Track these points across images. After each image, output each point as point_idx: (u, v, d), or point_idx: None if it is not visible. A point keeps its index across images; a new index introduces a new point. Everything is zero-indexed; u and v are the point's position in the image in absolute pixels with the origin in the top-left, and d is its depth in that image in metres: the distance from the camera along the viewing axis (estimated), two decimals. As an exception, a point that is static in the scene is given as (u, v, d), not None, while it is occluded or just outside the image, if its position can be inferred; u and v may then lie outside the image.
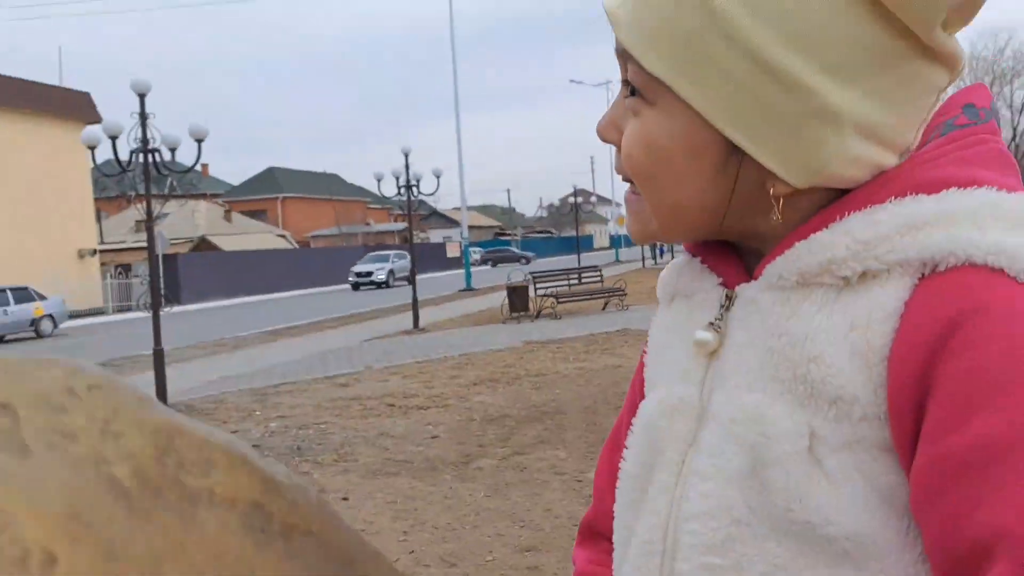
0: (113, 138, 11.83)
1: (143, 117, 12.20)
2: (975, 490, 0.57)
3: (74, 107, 40.57)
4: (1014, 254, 0.62)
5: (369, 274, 45.90)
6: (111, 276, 43.27)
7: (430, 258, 65.26)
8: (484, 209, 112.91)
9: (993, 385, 0.58)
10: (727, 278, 0.78)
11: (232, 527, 0.50)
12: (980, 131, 0.71)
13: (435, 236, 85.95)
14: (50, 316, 29.30)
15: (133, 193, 13.66)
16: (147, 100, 12.09)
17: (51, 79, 42.28)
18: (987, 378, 0.59)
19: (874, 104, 0.68)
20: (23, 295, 28.71)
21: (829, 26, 0.65)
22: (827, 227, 0.69)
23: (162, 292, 12.54)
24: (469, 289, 35.53)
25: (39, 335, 28.67)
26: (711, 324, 0.76)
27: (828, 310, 0.68)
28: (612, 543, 0.84)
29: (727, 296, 0.77)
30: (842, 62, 0.66)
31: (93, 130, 12.86)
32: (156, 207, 13.20)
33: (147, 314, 33.34)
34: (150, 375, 13.63)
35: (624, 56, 0.74)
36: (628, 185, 0.78)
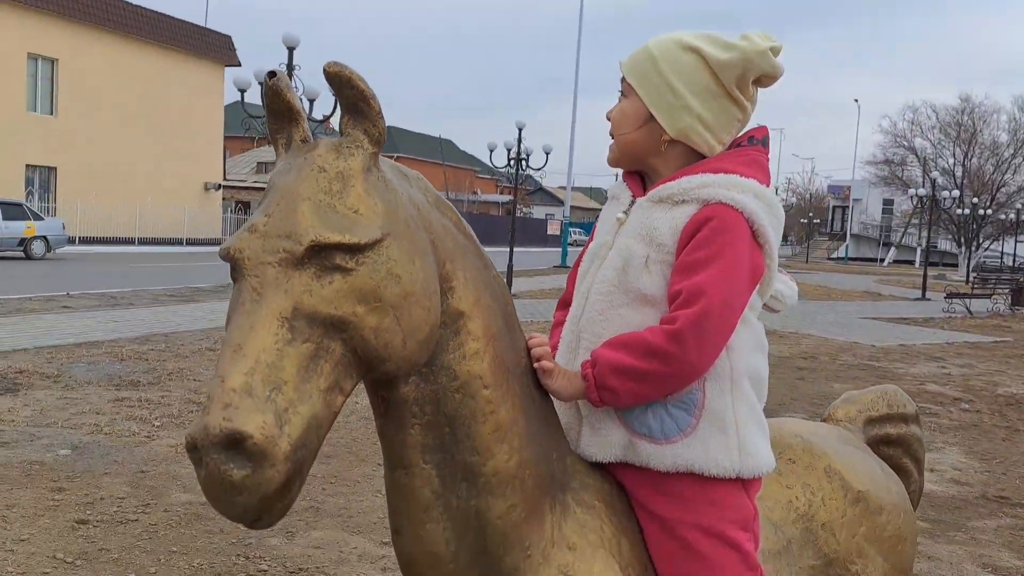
0: (262, 84, 13.16)
1: (290, 68, 13.52)
2: (691, 273, 1.58)
3: (216, 48, 42.89)
4: (735, 198, 1.61)
5: None
6: (231, 211, 45.69)
7: (531, 233, 66.26)
8: (591, 192, 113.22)
9: (708, 240, 1.58)
10: (634, 192, 1.78)
11: None
12: (750, 150, 1.70)
13: (538, 212, 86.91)
14: (43, 238, 26.78)
15: (256, 136, 14.95)
16: (273, 51, 13.35)
17: (197, 19, 44.72)
18: (706, 237, 1.59)
19: (709, 113, 1.69)
20: (16, 211, 26.38)
21: (696, 76, 1.68)
22: (675, 179, 1.69)
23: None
24: (564, 266, 36.47)
25: (28, 256, 26.40)
26: (623, 212, 1.77)
27: (666, 212, 1.67)
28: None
29: (632, 201, 1.77)
30: (698, 91, 1.68)
31: (241, 73, 14.23)
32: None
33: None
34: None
35: (623, 79, 1.75)
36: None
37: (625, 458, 1.70)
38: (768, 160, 1.73)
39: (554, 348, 1.77)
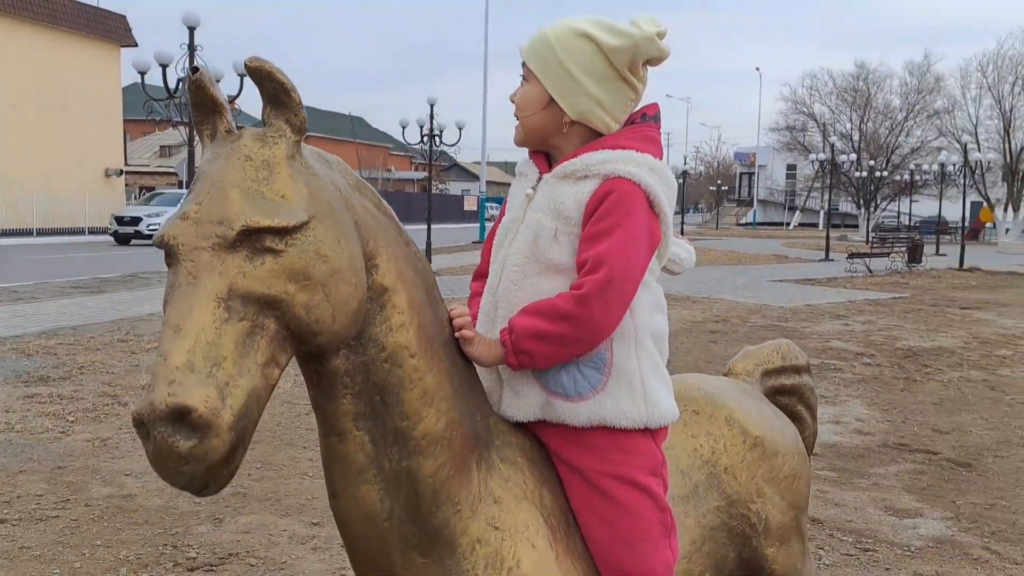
0: (164, 66, 12.87)
1: (191, 48, 13.22)
2: (595, 243, 1.71)
3: (110, 28, 41.43)
4: (632, 172, 1.74)
5: (137, 221, 31.93)
6: (135, 197, 44.39)
7: (448, 209, 66.08)
8: (506, 167, 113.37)
9: (609, 212, 1.71)
10: (541, 170, 1.89)
11: None
12: (644, 127, 1.81)
13: (455, 188, 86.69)
14: None
15: (158, 118, 14.59)
16: (168, 30, 13.06)
17: (90, -1, 43.04)
18: (608, 209, 1.72)
19: (606, 95, 1.81)
20: None
21: (591, 61, 1.79)
22: (577, 156, 1.80)
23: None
24: (482, 241, 36.59)
25: None
26: (532, 188, 1.88)
27: (571, 187, 1.79)
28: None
29: (539, 178, 1.88)
30: (594, 76, 1.79)
31: (140, 54, 13.85)
32: (184, 136, 14.16)
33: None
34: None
35: (523, 64, 1.85)
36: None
37: (543, 416, 1.83)
38: (660, 135, 1.88)
39: (473, 318, 1.87)
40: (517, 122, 1.90)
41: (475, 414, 1.74)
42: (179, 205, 1.47)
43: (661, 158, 1.82)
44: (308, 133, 1.49)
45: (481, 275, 2.03)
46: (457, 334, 1.76)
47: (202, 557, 4.64)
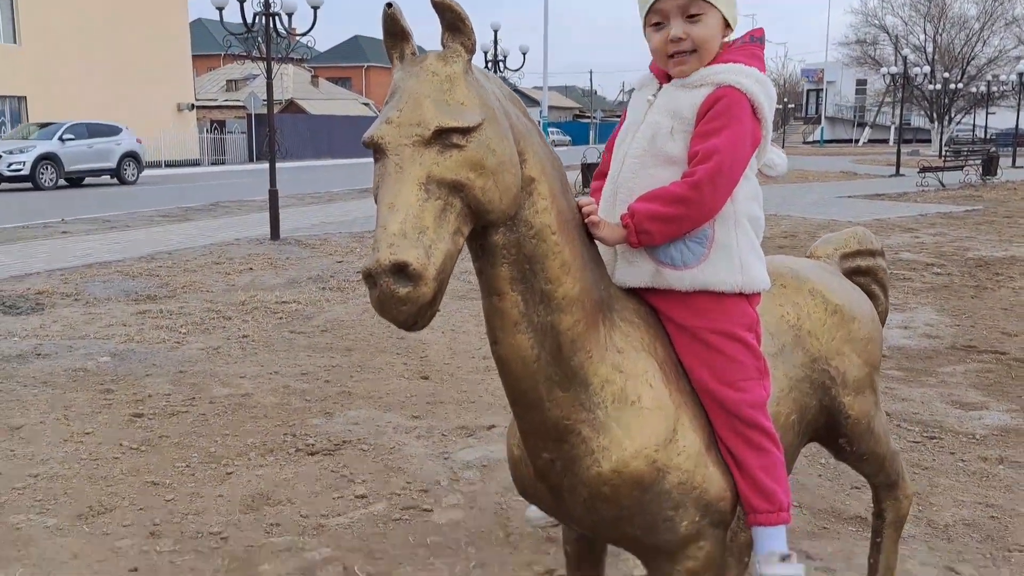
0: (241, 1, 13.24)
1: (264, -17, 13.51)
2: (707, 138, 2.07)
3: (176, -36, 41.83)
4: (740, 82, 2.08)
5: None
6: (206, 131, 45.32)
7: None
8: (565, 90, 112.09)
9: (720, 113, 2.07)
10: (661, 82, 2.22)
11: None
12: (751, 47, 2.15)
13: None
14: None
15: (236, 52, 14.97)
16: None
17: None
18: (719, 111, 2.07)
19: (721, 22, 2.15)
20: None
21: None
22: (696, 72, 2.14)
23: (277, 144, 14.01)
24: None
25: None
26: (652, 95, 2.22)
27: (687, 93, 2.14)
28: None
29: (659, 87, 2.22)
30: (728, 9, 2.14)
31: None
32: (249, 69, 14.49)
33: (239, 167, 34.80)
34: (262, 215, 15.39)
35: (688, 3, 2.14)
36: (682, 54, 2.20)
37: (653, 283, 2.21)
38: (763, 54, 2.20)
39: None
40: (689, 57, 2.16)
41: (600, 283, 2.12)
42: (381, 113, 1.84)
43: (764, 72, 2.15)
44: (368, 63, 1.85)
45: (602, 175, 2.39)
46: (586, 220, 2.12)
47: (319, 444, 5.17)
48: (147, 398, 5.98)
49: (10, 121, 35.18)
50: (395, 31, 1.88)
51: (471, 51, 1.86)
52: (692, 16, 2.13)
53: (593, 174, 2.46)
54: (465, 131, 1.76)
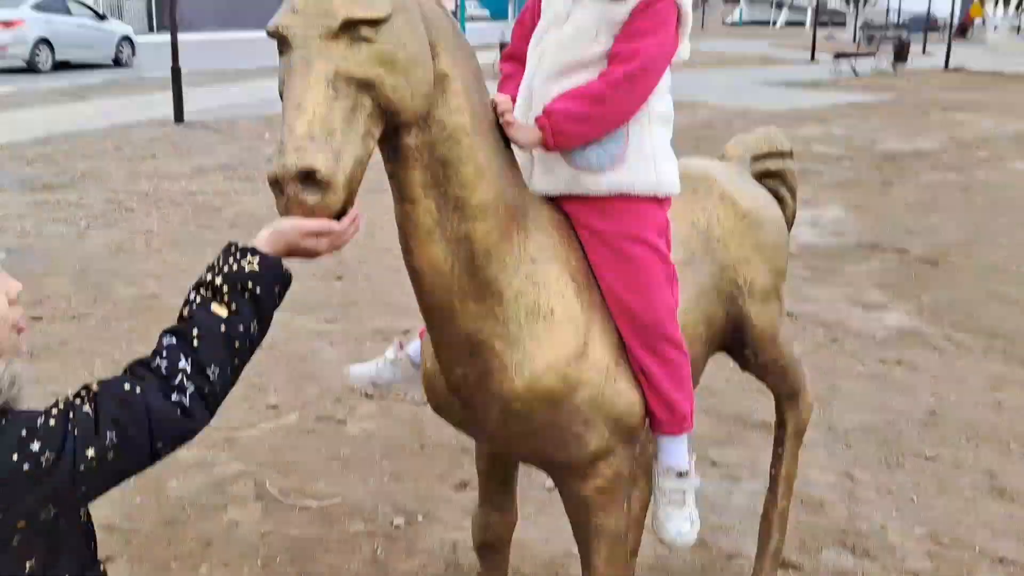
0: None
1: None
2: (632, 40, 2.02)
3: None
4: None
5: None
6: (102, -4, 42.54)
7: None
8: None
9: (650, 17, 2.03)
10: None
11: None
12: None
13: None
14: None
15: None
16: None
17: None
18: (649, 15, 2.02)
19: None
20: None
21: None
22: None
23: (178, 14, 13.18)
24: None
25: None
26: None
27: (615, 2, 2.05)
28: (523, 63, 2.25)
29: None
30: None
31: None
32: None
33: (140, 38, 32.98)
34: (165, 94, 14.64)
35: None
36: None
37: (569, 190, 2.17)
38: None
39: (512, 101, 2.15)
40: None
41: (514, 189, 2.05)
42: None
43: None
44: None
45: (510, 56, 2.32)
46: (501, 119, 2.03)
47: (231, 349, 5.07)
48: (46, 299, 5.75)
49: None
50: None
51: None
52: None
53: (502, 54, 2.37)
54: (375, 23, 1.64)
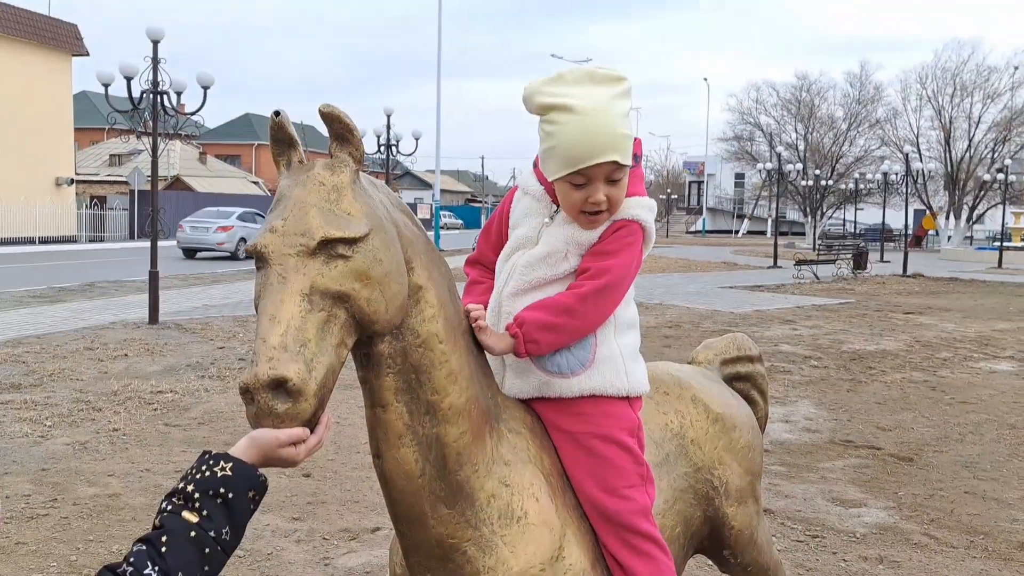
0: (128, 78, 12.98)
1: (155, 61, 13.30)
2: (601, 258, 2.13)
3: (61, 37, 40.92)
4: (638, 215, 2.14)
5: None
6: (86, 206, 43.80)
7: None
8: (458, 175, 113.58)
9: (618, 239, 2.12)
10: (553, 200, 2.20)
11: None
12: (638, 169, 2.19)
13: (407, 197, 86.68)
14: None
15: (121, 128, 14.59)
16: (123, 40, 13.15)
17: (40, 8, 42.33)
18: (618, 238, 2.11)
19: None
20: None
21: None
22: None
23: (160, 223, 13.60)
24: (439, 249, 36.60)
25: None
26: (549, 218, 2.20)
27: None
28: (488, 269, 2.32)
29: (556, 209, 2.18)
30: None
31: (100, 66, 13.88)
32: (133, 144, 14.19)
33: (119, 245, 33.66)
34: (141, 297, 14.81)
35: (612, 166, 2.08)
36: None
37: (541, 393, 2.20)
38: (642, 170, 2.27)
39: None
40: (596, 217, 2.13)
41: (487, 391, 2.08)
42: (265, 220, 1.78)
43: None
44: (258, 141, 1.79)
45: (475, 261, 2.42)
46: (474, 324, 2.08)
47: (192, 551, 4.87)
48: (4, 499, 5.54)
49: None
50: (282, 138, 1.84)
51: (359, 161, 1.83)
52: (613, 180, 2.11)
53: (466, 260, 2.46)
54: (351, 241, 1.72)
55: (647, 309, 16.38)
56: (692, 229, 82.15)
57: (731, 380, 3.10)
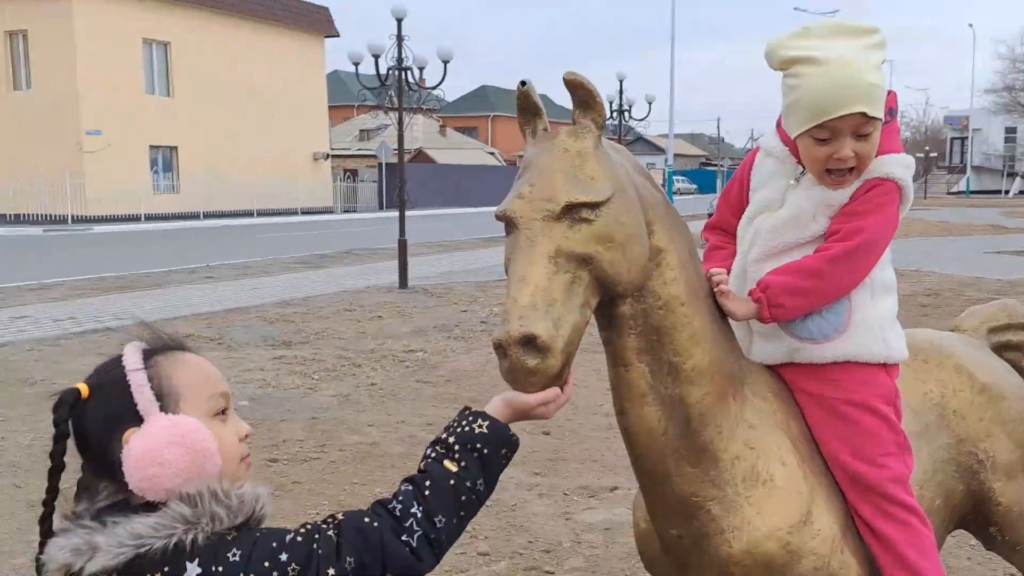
0: (376, 56, 13.81)
1: (399, 39, 14.04)
2: (854, 218, 2.06)
3: (315, 21, 44.01)
4: (894, 173, 2.06)
5: None
6: (340, 180, 47.09)
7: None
8: (692, 138, 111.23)
9: (872, 199, 2.05)
10: (797, 160, 2.14)
11: None
12: (894, 124, 2.09)
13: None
14: None
15: (370, 104, 15.44)
16: (373, 17, 13.87)
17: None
18: (871, 197, 2.05)
19: None
20: None
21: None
22: None
23: (406, 195, 14.41)
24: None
25: None
26: (795, 180, 2.15)
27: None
28: (728, 235, 2.30)
29: (802, 171, 2.13)
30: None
31: (352, 46, 14.81)
32: (381, 119, 14.99)
33: (370, 215, 35.81)
34: (391, 263, 15.81)
35: (860, 119, 2.01)
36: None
37: (790, 359, 2.16)
38: (898, 124, 2.15)
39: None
40: (842, 176, 2.07)
41: (731, 356, 2.09)
42: (513, 187, 1.88)
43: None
44: (494, 112, 1.84)
45: (714, 227, 2.40)
46: (715, 289, 2.08)
47: (444, 497, 5.22)
48: (282, 443, 6.18)
49: (162, 169, 37.43)
50: (528, 107, 1.91)
51: (601, 127, 1.88)
52: (862, 135, 2.02)
53: (704, 224, 2.45)
54: (595, 205, 1.78)
55: (902, 276, 15.12)
56: (954, 190, 75.95)
57: (999, 349, 2.89)
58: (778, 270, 2.09)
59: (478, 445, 1.62)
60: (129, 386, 1.46)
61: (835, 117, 1.98)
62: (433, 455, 1.64)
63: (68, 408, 1.46)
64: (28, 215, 32.76)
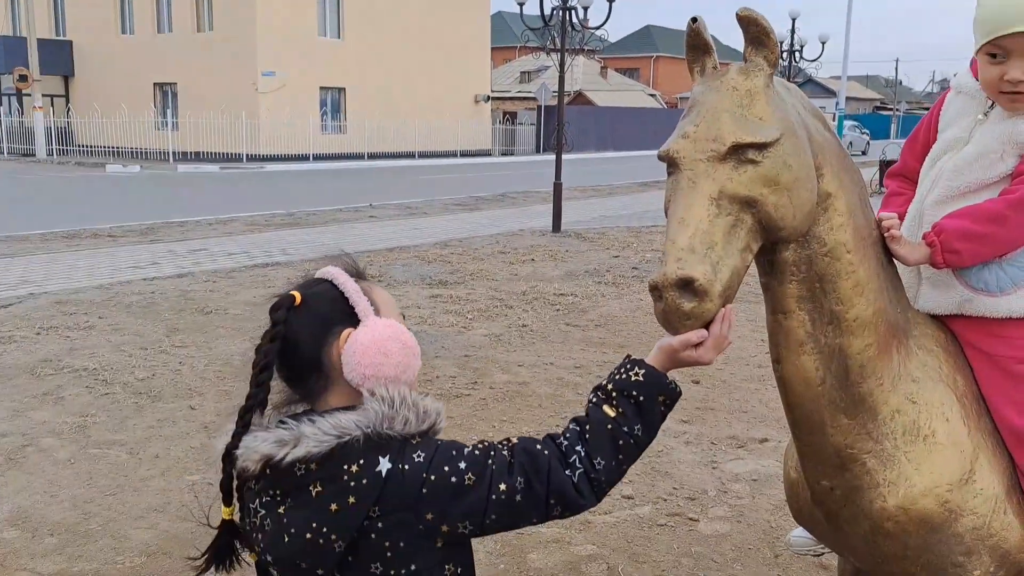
0: (540, -1, 13.80)
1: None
2: None
3: (479, -38, 44.07)
4: None
5: None
6: (499, 122, 47.41)
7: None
8: (866, 80, 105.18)
9: None
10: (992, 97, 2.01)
11: None
12: None
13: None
14: None
15: (533, 45, 15.44)
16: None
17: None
18: None
19: None
20: None
21: None
22: None
23: (564, 138, 14.41)
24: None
25: None
26: (984, 114, 2.03)
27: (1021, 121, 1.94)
28: (910, 181, 2.18)
29: (991, 105, 2.01)
30: None
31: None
32: (542, 61, 14.95)
33: (527, 158, 36.01)
34: (545, 207, 15.90)
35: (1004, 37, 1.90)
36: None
37: (960, 311, 2.05)
38: None
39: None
40: (1017, 97, 1.96)
41: (896, 306, 2.00)
42: (678, 126, 1.83)
43: None
44: (657, 52, 1.75)
45: (896, 173, 2.28)
46: (886, 234, 1.99)
47: (590, 439, 5.29)
48: (436, 379, 6.41)
49: (331, 110, 38.77)
50: (698, 44, 1.86)
51: (774, 65, 1.81)
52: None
53: (888, 172, 2.33)
54: (761, 147, 1.71)
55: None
56: None
57: None
58: (955, 213, 1.98)
59: (634, 392, 1.64)
60: (342, 294, 1.60)
61: (1004, 35, 1.88)
62: (595, 400, 1.68)
63: (285, 310, 1.58)
64: (207, 152, 34.70)
